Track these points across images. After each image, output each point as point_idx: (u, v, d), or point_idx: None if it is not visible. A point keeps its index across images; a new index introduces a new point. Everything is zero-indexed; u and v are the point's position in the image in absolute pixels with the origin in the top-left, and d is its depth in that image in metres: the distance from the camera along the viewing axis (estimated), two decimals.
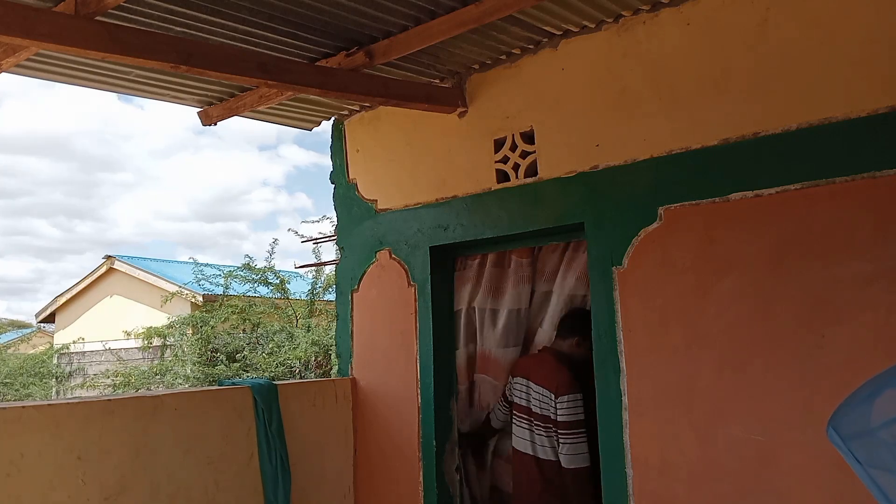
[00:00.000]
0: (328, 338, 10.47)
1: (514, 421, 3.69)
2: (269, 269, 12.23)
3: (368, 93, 3.44)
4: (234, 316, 11.56)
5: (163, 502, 3.17)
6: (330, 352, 10.31)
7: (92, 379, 13.27)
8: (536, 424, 3.53)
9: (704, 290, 2.92)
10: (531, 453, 3.55)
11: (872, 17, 2.61)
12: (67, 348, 15.44)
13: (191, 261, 13.06)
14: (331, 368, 10.16)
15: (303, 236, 11.22)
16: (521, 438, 3.61)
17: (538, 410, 3.52)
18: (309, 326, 11.21)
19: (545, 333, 3.88)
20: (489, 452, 4.09)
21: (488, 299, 3.98)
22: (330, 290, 11.79)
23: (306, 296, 12.11)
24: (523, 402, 3.62)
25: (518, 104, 3.59)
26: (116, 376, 11.97)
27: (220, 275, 12.39)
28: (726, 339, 2.85)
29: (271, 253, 13.15)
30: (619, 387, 3.11)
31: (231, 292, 12.18)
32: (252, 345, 11.46)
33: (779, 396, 2.71)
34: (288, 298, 12.04)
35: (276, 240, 16.58)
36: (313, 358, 10.55)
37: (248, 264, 12.25)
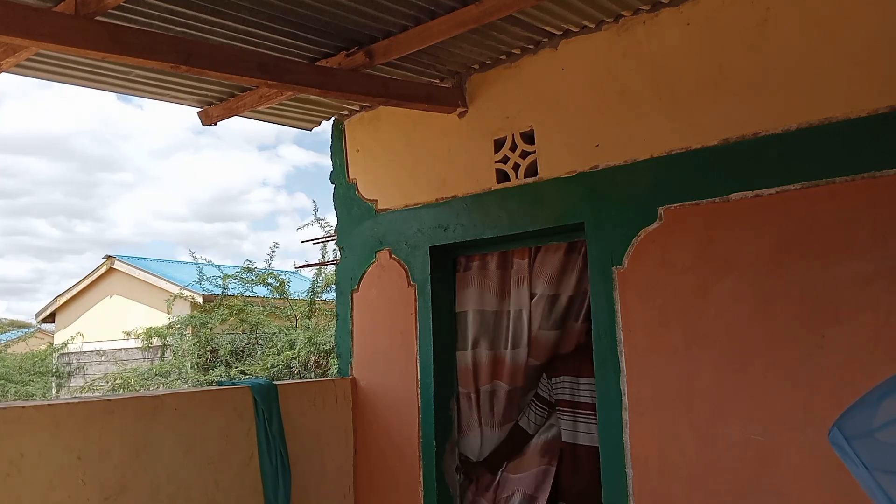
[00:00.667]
0: (327, 337, 10.46)
1: (562, 417, 3.77)
2: (269, 273, 12.22)
3: (368, 93, 3.44)
4: (233, 317, 11.55)
5: (163, 502, 3.17)
6: (325, 350, 10.31)
7: (91, 383, 13.27)
8: (594, 416, 3.59)
9: (704, 290, 2.92)
10: (587, 444, 3.65)
11: (873, 17, 2.61)
12: (66, 346, 15.44)
13: (192, 260, 13.04)
14: (329, 368, 10.15)
15: (325, 223, 11.12)
16: (576, 431, 3.69)
17: (594, 402, 3.59)
18: (308, 327, 11.19)
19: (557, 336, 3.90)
20: (500, 472, 4.03)
21: (495, 301, 3.97)
22: (329, 289, 11.77)
23: (306, 295, 12.10)
24: (578, 399, 3.72)
25: (518, 104, 3.59)
26: (115, 380, 11.96)
27: (219, 276, 12.38)
28: (726, 339, 2.85)
29: (271, 256, 13.11)
30: (619, 387, 3.11)
31: (231, 292, 12.16)
32: (251, 345, 11.45)
33: (779, 396, 2.71)
34: (287, 299, 12.03)
35: (276, 243, 16.53)
36: (313, 358, 10.53)
37: (249, 267, 12.24)
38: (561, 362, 3.89)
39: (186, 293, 13.27)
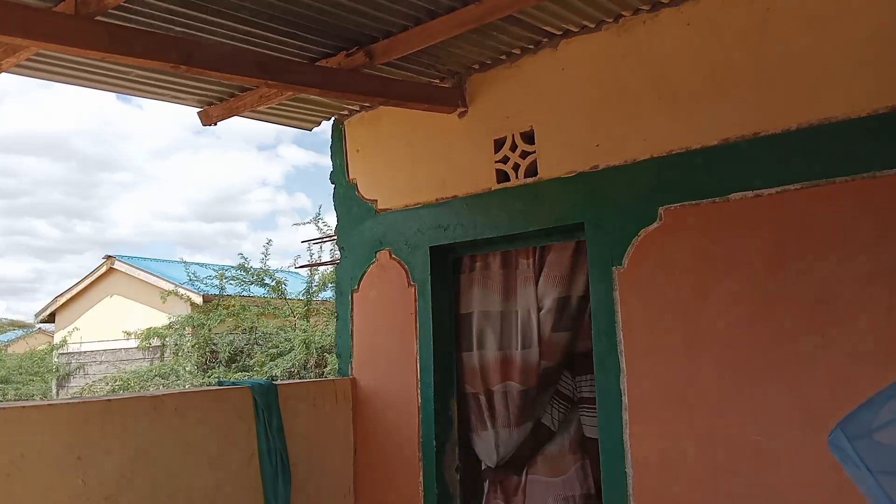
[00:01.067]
0: (324, 337, 10.45)
1: (589, 414, 3.76)
2: (264, 272, 12.20)
3: (368, 93, 3.45)
4: (231, 318, 11.53)
5: (163, 502, 3.17)
6: (322, 349, 10.31)
7: (91, 384, 13.27)
8: None
9: (704, 290, 2.92)
10: None
11: (873, 17, 2.62)
12: (65, 342, 15.42)
13: (190, 261, 13.06)
14: (326, 367, 10.15)
15: (324, 224, 11.08)
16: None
17: None
18: (305, 329, 11.17)
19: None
20: (525, 474, 3.95)
21: (499, 301, 3.93)
22: (326, 288, 11.75)
23: (302, 295, 12.08)
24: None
25: (518, 104, 3.60)
26: (115, 381, 11.97)
27: (213, 276, 12.36)
28: (726, 339, 2.85)
29: (266, 254, 13.01)
30: (619, 387, 3.11)
31: (228, 293, 12.15)
32: (251, 346, 11.44)
33: (779, 396, 2.71)
34: (285, 299, 12.00)
35: (269, 241, 16.55)
36: (312, 360, 10.54)
37: (243, 265, 12.21)
38: (586, 361, 3.80)
39: (181, 291, 13.25)
